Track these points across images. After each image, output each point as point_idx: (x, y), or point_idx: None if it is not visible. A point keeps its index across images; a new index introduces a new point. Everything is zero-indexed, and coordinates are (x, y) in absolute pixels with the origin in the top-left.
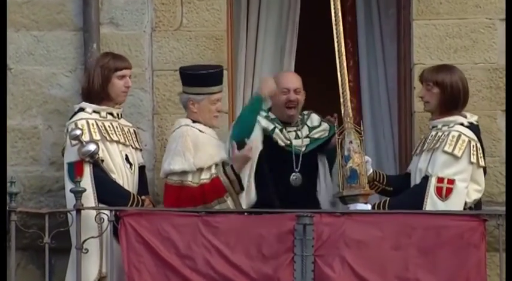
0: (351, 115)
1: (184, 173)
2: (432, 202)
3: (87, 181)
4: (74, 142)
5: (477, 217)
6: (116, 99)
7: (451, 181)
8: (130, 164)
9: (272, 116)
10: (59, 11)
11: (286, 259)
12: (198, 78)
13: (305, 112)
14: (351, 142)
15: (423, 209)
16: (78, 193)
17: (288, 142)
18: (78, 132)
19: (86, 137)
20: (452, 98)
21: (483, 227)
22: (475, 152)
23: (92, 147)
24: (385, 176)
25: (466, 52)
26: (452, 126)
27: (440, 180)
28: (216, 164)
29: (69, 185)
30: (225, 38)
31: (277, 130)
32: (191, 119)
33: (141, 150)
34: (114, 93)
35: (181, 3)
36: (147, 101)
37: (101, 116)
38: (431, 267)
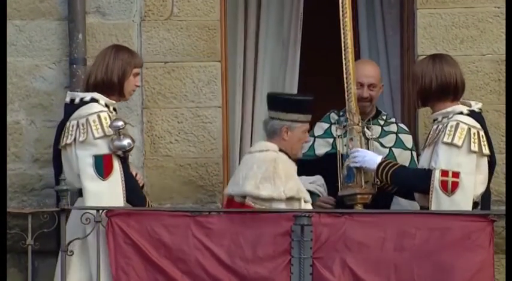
0: (353, 111)
1: (271, 199)
2: (437, 196)
3: (116, 177)
4: (111, 132)
5: (485, 217)
6: (126, 96)
7: (456, 174)
8: None
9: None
10: None
11: (283, 261)
12: (298, 104)
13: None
14: (351, 140)
15: (428, 202)
16: (62, 192)
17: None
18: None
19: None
20: (425, 90)
21: (491, 228)
22: (476, 140)
23: (127, 142)
24: None
25: (473, 43)
26: (451, 117)
27: (444, 173)
28: (304, 200)
29: (90, 182)
30: (219, 28)
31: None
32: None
33: None
34: (127, 90)
35: None
36: (135, 94)
37: (109, 111)
38: (437, 269)
